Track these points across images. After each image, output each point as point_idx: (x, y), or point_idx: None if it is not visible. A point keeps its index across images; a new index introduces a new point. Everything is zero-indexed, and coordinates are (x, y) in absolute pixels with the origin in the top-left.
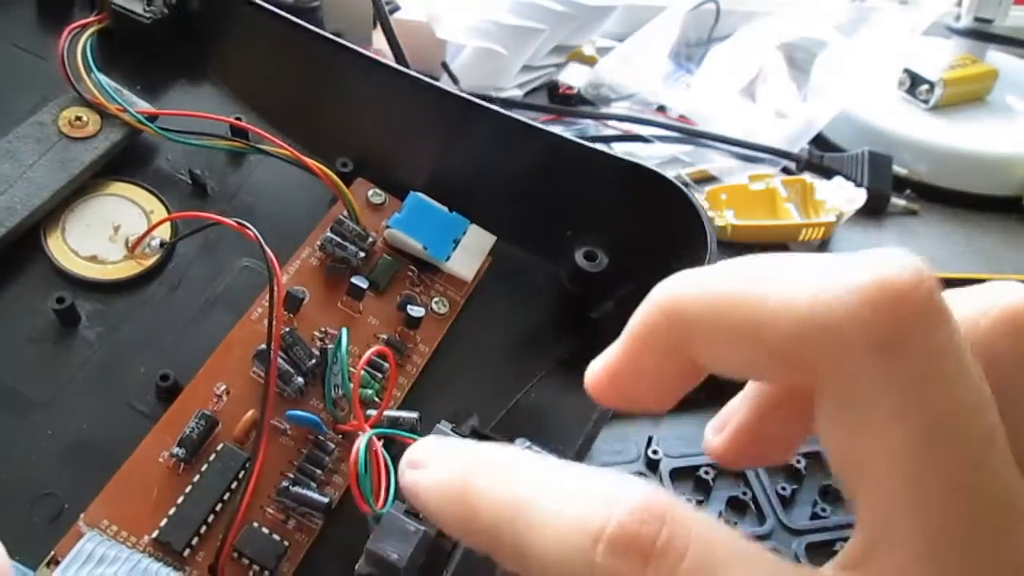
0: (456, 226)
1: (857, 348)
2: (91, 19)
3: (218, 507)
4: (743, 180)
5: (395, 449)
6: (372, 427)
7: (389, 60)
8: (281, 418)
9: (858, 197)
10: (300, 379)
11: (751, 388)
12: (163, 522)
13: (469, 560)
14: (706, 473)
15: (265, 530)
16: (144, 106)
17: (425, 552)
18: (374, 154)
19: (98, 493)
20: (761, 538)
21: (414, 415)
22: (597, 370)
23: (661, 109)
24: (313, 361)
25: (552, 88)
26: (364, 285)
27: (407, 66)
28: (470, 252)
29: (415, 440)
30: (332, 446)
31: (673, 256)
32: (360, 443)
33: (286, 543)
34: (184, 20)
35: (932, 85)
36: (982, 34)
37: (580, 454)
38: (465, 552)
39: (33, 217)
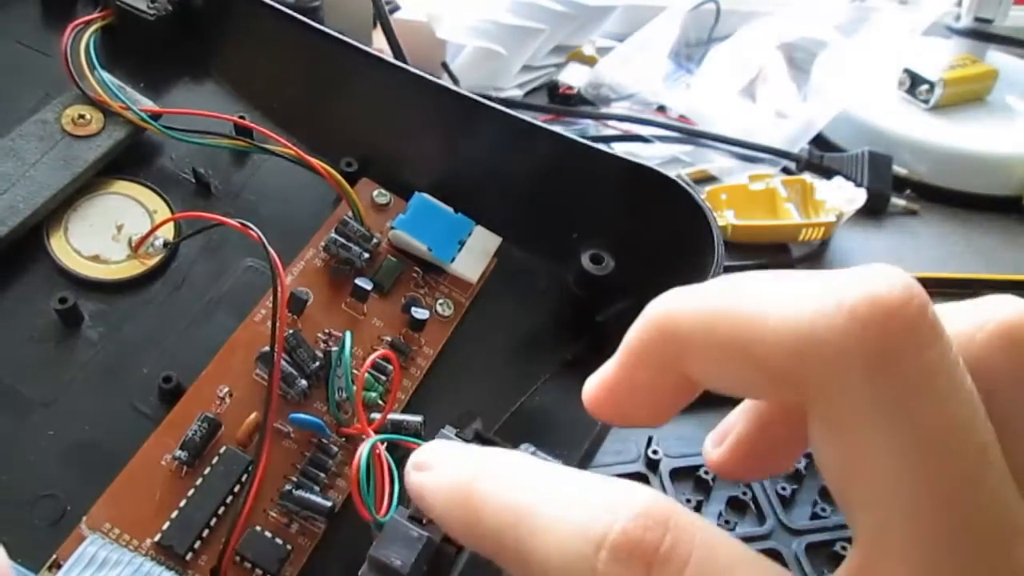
0: (461, 227)
1: (848, 366)
2: (95, 16)
3: (221, 510)
4: (743, 180)
5: (399, 452)
6: (376, 431)
7: (390, 58)
8: (284, 421)
9: (858, 197)
10: (304, 382)
11: (749, 401)
12: (165, 525)
13: (473, 566)
14: (706, 473)
15: (268, 534)
16: (148, 104)
17: (428, 559)
18: (379, 154)
19: (100, 495)
20: (761, 538)
21: (418, 419)
22: (593, 386)
23: (661, 109)
24: (317, 363)
25: (552, 88)
26: (368, 287)
27: None
28: (475, 254)
29: (419, 444)
30: (336, 449)
31: (680, 259)
32: (362, 450)
33: (289, 547)
34: (188, 17)
35: (932, 85)
36: (982, 34)
37: (586, 458)
38: (469, 558)
39: (36, 216)
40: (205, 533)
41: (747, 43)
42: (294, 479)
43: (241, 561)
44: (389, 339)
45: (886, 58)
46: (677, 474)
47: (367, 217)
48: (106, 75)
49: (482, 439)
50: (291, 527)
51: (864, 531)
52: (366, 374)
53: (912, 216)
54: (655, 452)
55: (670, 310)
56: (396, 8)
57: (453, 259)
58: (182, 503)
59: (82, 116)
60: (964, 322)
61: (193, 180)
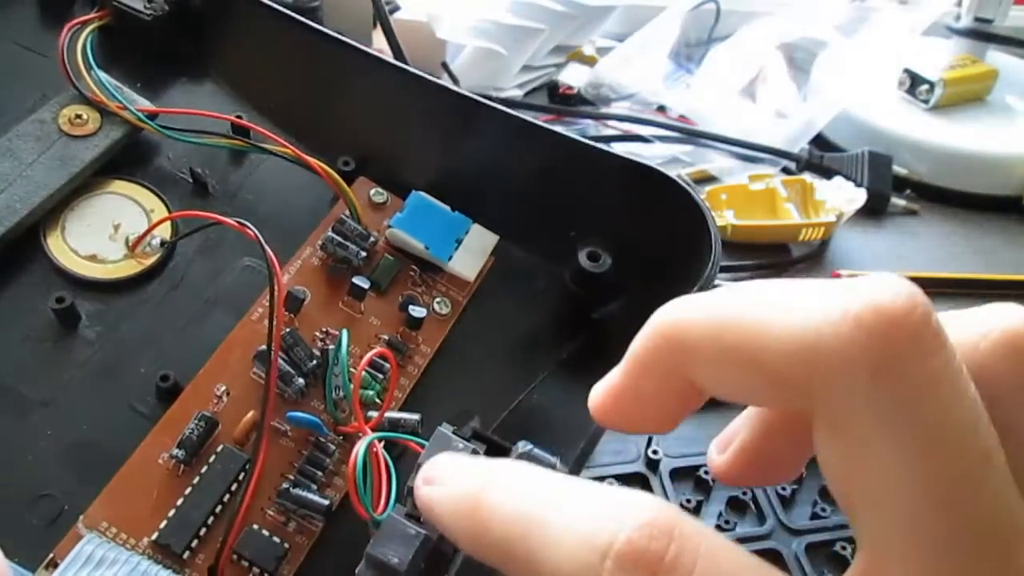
0: (458, 226)
1: (853, 373)
2: (92, 16)
3: (218, 509)
4: (743, 180)
5: (397, 451)
6: (373, 429)
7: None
8: (282, 419)
9: (858, 197)
10: (301, 380)
11: (754, 408)
12: (163, 524)
13: (470, 565)
14: (706, 473)
15: (265, 532)
16: (145, 104)
17: (426, 556)
18: (376, 153)
19: (97, 494)
20: (761, 538)
21: (415, 417)
22: (599, 393)
23: (661, 109)
24: (314, 362)
25: (552, 88)
26: (366, 285)
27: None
28: (473, 252)
29: (416, 443)
30: (333, 448)
31: (677, 257)
32: (359, 449)
33: (286, 545)
34: (185, 17)
35: (932, 85)
36: (982, 34)
37: (583, 456)
38: (466, 557)
39: (33, 216)
40: (202, 532)
41: (747, 43)
42: (291, 477)
43: (238, 560)
44: (386, 338)
45: (886, 58)
46: (677, 474)
47: (364, 216)
48: (103, 75)
49: (480, 437)
50: (289, 525)
51: (868, 535)
52: (363, 372)
53: (912, 216)
54: (655, 452)
55: (676, 319)
56: (396, 8)
57: (450, 258)
58: (179, 502)
59: (79, 116)
60: (968, 330)
61: (190, 180)
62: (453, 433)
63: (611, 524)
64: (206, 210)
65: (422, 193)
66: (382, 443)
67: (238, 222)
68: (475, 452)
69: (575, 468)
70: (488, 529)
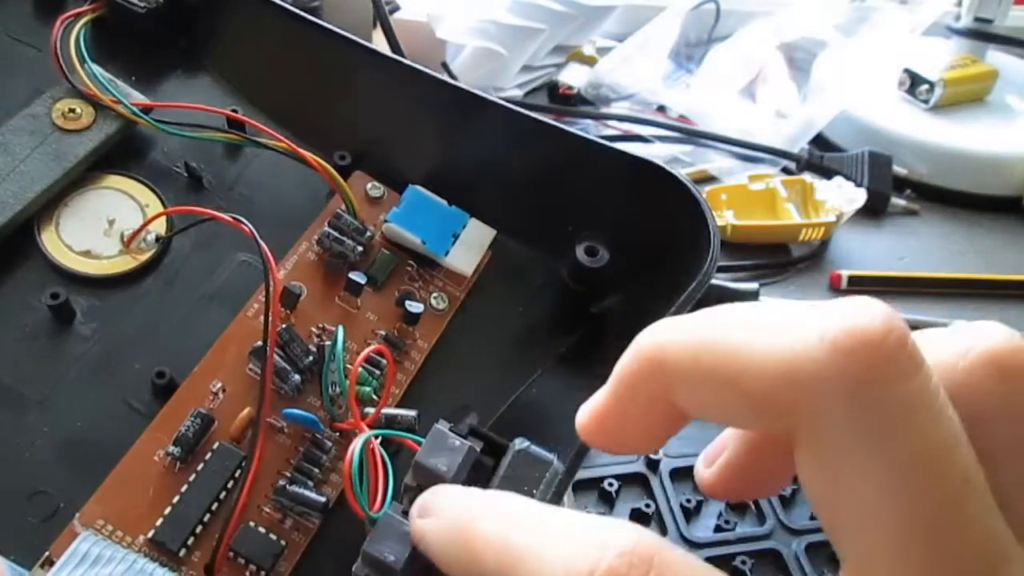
0: (456, 220)
1: (830, 397)
2: (85, 8)
3: (214, 506)
4: (743, 180)
5: (393, 447)
6: (369, 425)
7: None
8: (278, 416)
9: (858, 197)
10: (297, 376)
11: None
12: (159, 522)
13: None
14: None
15: (262, 529)
16: (139, 98)
17: (422, 554)
18: (372, 147)
19: (93, 492)
20: (761, 538)
21: (412, 413)
22: (585, 415)
23: (661, 109)
24: (310, 358)
25: (552, 88)
26: (362, 281)
27: None
28: (470, 247)
29: (413, 440)
30: (329, 444)
31: (676, 252)
32: (355, 446)
33: (283, 542)
34: (179, 10)
35: (932, 85)
36: (982, 34)
37: (580, 453)
38: None
39: (27, 212)
40: (198, 529)
41: (747, 43)
42: (288, 474)
43: (235, 557)
44: (383, 333)
45: (886, 58)
46: (677, 474)
47: (360, 210)
48: (97, 68)
49: (477, 434)
50: (285, 523)
51: (850, 558)
52: (360, 368)
53: (912, 216)
54: (655, 452)
55: (659, 341)
56: (396, 8)
57: (447, 252)
58: (175, 499)
59: (73, 110)
60: (948, 349)
61: (185, 174)
62: (450, 430)
63: (594, 552)
64: (201, 204)
65: (418, 187)
66: (379, 440)
67: (233, 218)
68: (472, 449)
69: (572, 464)
70: (480, 560)
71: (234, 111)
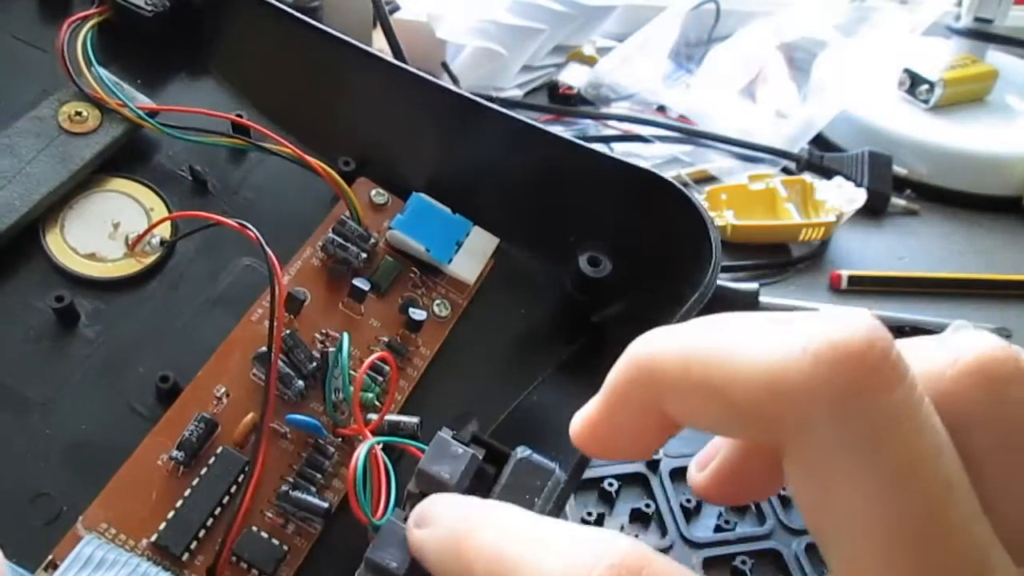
0: (459, 228)
1: (814, 409)
2: (91, 11)
3: (217, 511)
4: (743, 180)
5: (395, 454)
6: (372, 432)
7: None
8: (281, 422)
9: (858, 197)
10: (300, 382)
11: None
12: (162, 526)
13: None
14: None
15: (264, 534)
16: (145, 101)
17: None
18: (377, 153)
19: (96, 495)
20: (761, 538)
21: (415, 420)
22: (578, 423)
23: (661, 109)
24: (314, 364)
25: (552, 88)
26: (366, 287)
27: None
28: (473, 255)
29: (416, 447)
30: (332, 450)
31: (677, 262)
32: (360, 453)
33: (285, 547)
34: (186, 14)
35: (932, 85)
36: (982, 34)
37: (581, 462)
38: None
39: (32, 214)
40: (201, 533)
41: (747, 43)
42: (291, 480)
43: (237, 562)
44: (386, 340)
45: (886, 58)
46: (677, 474)
47: (365, 217)
48: (103, 71)
49: (479, 442)
50: (287, 528)
51: (837, 565)
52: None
53: (912, 216)
54: (648, 459)
55: (649, 352)
56: (396, 8)
57: (451, 260)
58: (179, 503)
59: (79, 113)
60: (936, 358)
61: (190, 178)
62: (453, 438)
63: (585, 564)
64: (205, 208)
65: (423, 195)
66: (381, 447)
67: (239, 223)
68: (474, 457)
69: (574, 472)
70: (472, 570)
71: (239, 116)
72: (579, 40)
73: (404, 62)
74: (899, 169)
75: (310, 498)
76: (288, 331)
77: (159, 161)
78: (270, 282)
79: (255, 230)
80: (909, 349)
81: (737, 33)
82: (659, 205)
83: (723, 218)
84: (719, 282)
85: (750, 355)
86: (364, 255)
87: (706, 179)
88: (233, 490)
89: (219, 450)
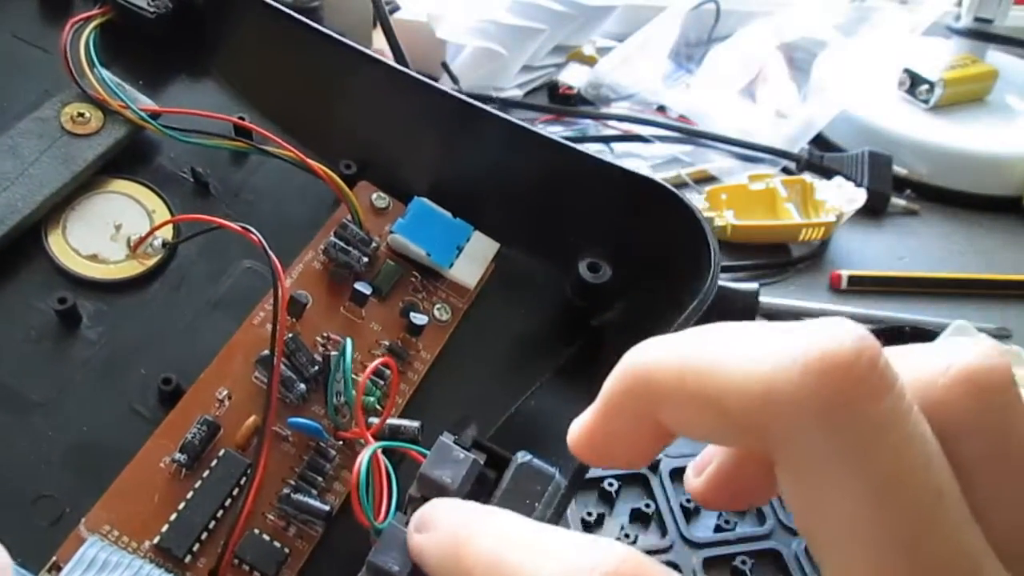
0: (460, 233)
1: (803, 418)
2: (94, 12)
3: (219, 513)
4: (743, 180)
5: (396, 457)
6: (374, 436)
7: (390, 60)
8: (283, 425)
9: (858, 197)
10: (302, 386)
11: None
12: (164, 528)
13: None
14: None
15: (266, 537)
16: (147, 103)
17: None
18: (378, 157)
19: (98, 497)
20: (761, 538)
21: (416, 424)
22: (575, 431)
23: (661, 109)
24: (315, 368)
25: (552, 88)
26: (367, 291)
27: (407, 66)
28: (473, 259)
29: (417, 451)
30: (333, 453)
31: (676, 268)
32: (363, 457)
33: (287, 550)
34: (188, 16)
35: (932, 85)
36: (982, 34)
37: (582, 467)
38: None
39: (35, 215)
40: (204, 536)
41: (747, 43)
42: (292, 483)
43: (239, 564)
44: (387, 343)
45: (886, 58)
46: (677, 474)
47: (366, 221)
48: (106, 73)
49: (480, 447)
50: (289, 530)
51: (829, 571)
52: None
53: (912, 216)
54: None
55: (644, 361)
56: (396, 8)
57: (452, 264)
58: (181, 506)
59: (81, 114)
60: (928, 366)
61: (192, 180)
62: (454, 443)
63: (581, 570)
64: (207, 211)
65: (424, 199)
66: (382, 450)
67: (242, 226)
68: (476, 462)
69: (574, 477)
70: (471, 574)
71: (241, 118)
72: (579, 40)
73: (404, 62)
74: (899, 169)
75: (311, 501)
76: (290, 335)
77: (161, 163)
78: (273, 286)
79: (258, 234)
80: (902, 357)
81: (737, 33)
82: (659, 211)
83: (723, 218)
84: (719, 282)
85: (742, 366)
86: (365, 259)
87: (706, 179)
88: (235, 492)
89: (221, 453)
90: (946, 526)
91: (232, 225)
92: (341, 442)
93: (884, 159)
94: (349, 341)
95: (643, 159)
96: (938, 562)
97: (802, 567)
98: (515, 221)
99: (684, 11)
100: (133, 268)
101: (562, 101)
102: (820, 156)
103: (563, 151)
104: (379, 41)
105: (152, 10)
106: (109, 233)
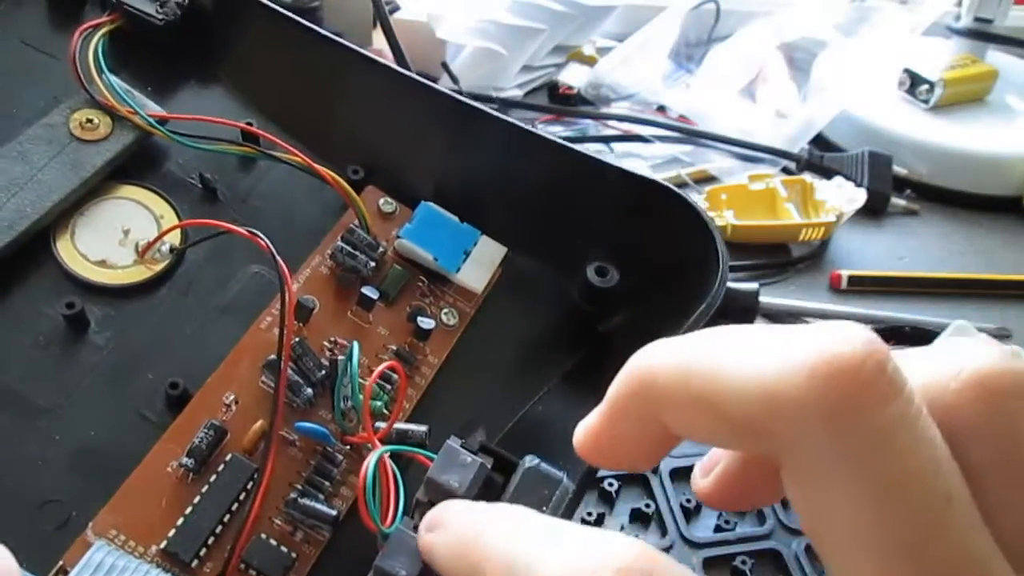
0: (467, 237)
1: (809, 423)
2: (103, 19)
3: (226, 518)
4: (743, 180)
5: (403, 462)
6: (381, 440)
7: (390, 61)
8: (290, 429)
9: (858, 197)
10: (309, 390)
11: None
12: (171, 532)
13: None
14: None
15: (273, 542)
16: (155, 109)
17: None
18: (385, 161)
19: (105, 501)
20: (761, 538)
21: (423, 428)
22: (581, 433)
23: (661, 109)
24: (323, 372)
25: (552, 88)
26: (375, 296)
27: (407, 67)
28: (481, 264)
29: (425, 455)
30: (340, 458)
31: (684, 272)
32: (370, 461)
33: (293, 555)
34: (196, 22)
35: (932, 85)
36: (982, 34)
37: (590, 472)
38: None
39: (44, 221)
40: (211, 540)
41: (747, 43)
42: (299, 487)
43: (246, 569)
44: (394, 348)
45: (886, 58)
46: (677, 474)
47: (373, 225)
48: (114, 79)
49: (487, 451)
50: (296, 535)
51: (836, 574)
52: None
53: (912, 216)
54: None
55: (649, 365)
56: (396, 8)
57: (459, 269)
58: (188, 510)
59: (90, 120)
60: (938, 370)
61: (200, 185)
62: (461, 447)
63: (594, 566)
64: (215, 216)
65: (431, 204)
66: (389, 455)
67: (249, 232)
68: (483, 466)
69: (582, 481)
70: (483, 570)
71: (249, 124)
72: (579, 40)
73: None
74: (899, 169)
75: (318, 505)
76: (297, 339)
77: (169, 168)
78: (280, 290)
79: (266, 239)
80: (911, 361)
81: (737, 33)
82: (667, 216)
83: (723, 218)
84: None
85: (747, 369)
86: (373, 264)
87: (706, 179)
88: (242, 497)
89: (228, 457)
90: (955, 530)
91: (240, 230)
92: (348, 446)
93: (884, 159)
94: (356, 345)
95: (643, 159)
96: (946, 566)
97: (802, 567)
98: (521, 225)
99: (684, 11)
100: (141, 273)
101: (562, 101)
102: (820, 156)
103: (570, 156)
104: (379, 41)
105: (161, 17)
106: (117, 238)
